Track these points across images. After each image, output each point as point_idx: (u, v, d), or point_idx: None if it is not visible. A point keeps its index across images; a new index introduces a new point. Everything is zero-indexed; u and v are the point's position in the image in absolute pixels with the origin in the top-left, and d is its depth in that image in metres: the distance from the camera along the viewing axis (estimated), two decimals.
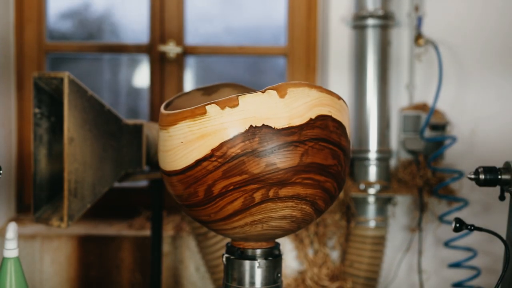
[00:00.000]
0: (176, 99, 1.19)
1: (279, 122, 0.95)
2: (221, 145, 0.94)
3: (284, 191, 0.96)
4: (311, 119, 0.96)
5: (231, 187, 0.95)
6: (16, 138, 2.30)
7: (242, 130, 0.94)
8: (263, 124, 0.94)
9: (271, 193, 0.96)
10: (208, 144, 0.95)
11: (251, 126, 0.94)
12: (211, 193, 0.97)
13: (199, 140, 0.96)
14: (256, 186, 0.95)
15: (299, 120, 0.96)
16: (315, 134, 0.97)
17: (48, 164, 1.53)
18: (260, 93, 0.95)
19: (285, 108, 0.95)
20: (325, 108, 0.99)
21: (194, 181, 0.98)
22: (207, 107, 0.95)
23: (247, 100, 0.94)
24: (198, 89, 1.26)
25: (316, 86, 0.99)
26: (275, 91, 0.95)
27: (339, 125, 1.00)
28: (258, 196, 0.96)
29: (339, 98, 1.02)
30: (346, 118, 1.03)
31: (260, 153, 0.94)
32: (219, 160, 0.95)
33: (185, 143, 0.97)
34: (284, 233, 1.04)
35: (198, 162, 0.96)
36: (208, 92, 1.26)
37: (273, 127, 0.94)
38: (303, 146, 0.96)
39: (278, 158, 0.95)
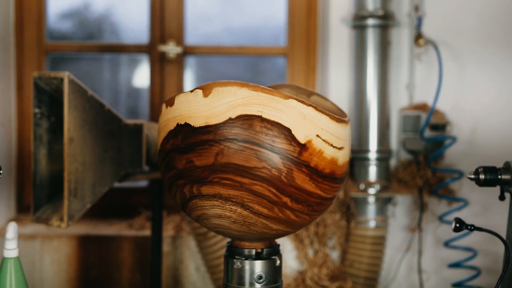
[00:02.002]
0: None
1: (198, 120, 0.97)
2: (163, 140, 1.03)
3: (205, 189, 0.98)
4: (230, 119, 0.95)
5: (170, 181, 1.03)
6: (16, 138, 2.30)
7: (172, 127, 1.01)
8: (185, 123, 0.98)
9: (194, 190, 0.99)
10: (159, 139, 1.05)
11: (177, 124, 1.00)
12: (166, 184, 1.06)
13: (159, 135, 1.06)
14: (183, 181, 1.00)
15: (217, 119, 0.96)
16: (233, 134, 0.95)
17: (48, 164, 1.53)
18: (189, 92, 0.99)
19: (205, 107, 0.97)
20: (254, 107, 0.95)
21: (161, 172, 1.08)
22: (162, 105, 1.04)
23: (179, 99, 1.00)
24: None
25: (251, 85, 0.96)
26: (201, 90, 0.98)
27: (274, 126, 0.95)
28: (186, 191, 1.01)
29: (288, 97, 0.96)
30: (296, 119, 0.96)
31: (182, 150, 0.99)
32: (162, 154, 1.04)
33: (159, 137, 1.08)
34: (241, 234, 1.04)
35: (159, 154, 1.06)
36: None
37: (192, 125, 0.97)
38: (218, 146, 0.95)
39: (195, 156, 0.97)
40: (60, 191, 1.53)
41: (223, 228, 1.03)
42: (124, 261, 2.10)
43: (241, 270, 1.08)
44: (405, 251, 2.14)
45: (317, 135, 0.97)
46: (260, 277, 1.08)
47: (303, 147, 0.96)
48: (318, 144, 0.97)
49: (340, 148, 1.01)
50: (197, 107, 0.97)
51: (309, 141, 0.97)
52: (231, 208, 0.98)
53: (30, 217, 1.56)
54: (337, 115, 1.11)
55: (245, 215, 0.99)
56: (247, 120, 0.95)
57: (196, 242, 2.06)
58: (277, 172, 0.96)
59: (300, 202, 0.99)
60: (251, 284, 1.08)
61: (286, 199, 0.98)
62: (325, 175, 1.00)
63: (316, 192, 1.00)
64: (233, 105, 0.95)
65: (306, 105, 0.97)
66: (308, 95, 1.23)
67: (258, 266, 1.08)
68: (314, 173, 0.98)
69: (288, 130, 0.95)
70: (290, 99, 0.96)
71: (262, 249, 1.09)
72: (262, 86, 0.96)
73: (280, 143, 0.95)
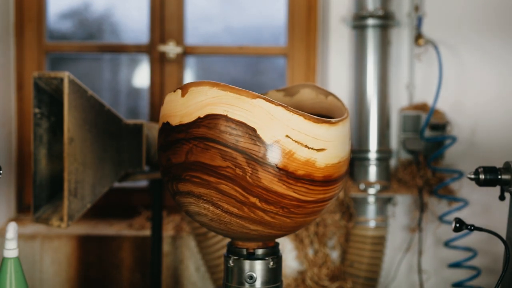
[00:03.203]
0: None
1: (175, 119, 1.00)
2: (157, 138, 1.08)
3: (180, 186, 1.01)
4: (199, 118, 0.97)
5: (161, 177, 1.07)
6: (16, 138, 2.30)
7: (160, 126, 1.05)
8: (167, 121, 1.02)
9: (174, 187, 1.02)
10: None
11: (162, 123, 1.04)
12: None
13: None
14: (166, 178, 1.04)
15: (188, 118, 0.98)
16: (200, 133, 0.96)
17: (48, 164, 1.53)
18: (173, 92, 1.02)
19: (181, 106, 0.99)
20: (221, 107, 0.95)
21: None
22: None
23: (166, 99, 1.04)
24: (277, 90, 1.27)
25: (221, 84, 0.96)
26: (180, 90, 1.00)
27: (239, 126, 0.94)
28: (170, 188, 1.04)
29: (256, 97, 0.95)
30: (263, 119, 0.94)
31: (164, 147, 1.02)
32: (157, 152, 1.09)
33: None
34: (224, 232, 1.04)
35: None
36: (289, 93, 1.27)
37: (171, 124, 1.01)
38: (188, 144, 0.97)
39: (171, 154, 1.00)
40: (60, 191, 1.53)
41: (207, 226, 1.05)
42: (124, 261, 2.10)
43: (233, 269, 1.09)
44: (405, 251, 2.14)
45: (287, 136, 0.95)
46: (251, 277, 1.07)
47: (269, 147, 0.95)
48: (287, 144, 0.95)
49: (319, 150, 0.97)
50: (176, 106, 1.00)
51: (277, 141, 0.95)
52: (204, 206, 1.00)
53: (30, 217, 1.56)
54: (339, 115, 1.10)
55: (218, 213, 0.99)
56: (213, 119, 0.96)
57: (196, 242, 2.06)
58: (242, 172, 0.95)
59: (271, 204, 0.97)
60: (245, 284, 1.08)
61: (254, 200, 0.96)
62: (299, 177, 0.97)
63: (289, 194, 0.97)
64: (203, 105, 0.97)
65: (275, 104, 0.95)
66: (325, 95, 1.22)
67: (249, 266, 1.08)
68: (284, 174, 0.95)
69: (253, 130, 0.94)
70: (258, 99, 0.95)
71: (254, 249, 1.09)
72: (231, 86, 0.96)
73: (244, 143, 0.95)
